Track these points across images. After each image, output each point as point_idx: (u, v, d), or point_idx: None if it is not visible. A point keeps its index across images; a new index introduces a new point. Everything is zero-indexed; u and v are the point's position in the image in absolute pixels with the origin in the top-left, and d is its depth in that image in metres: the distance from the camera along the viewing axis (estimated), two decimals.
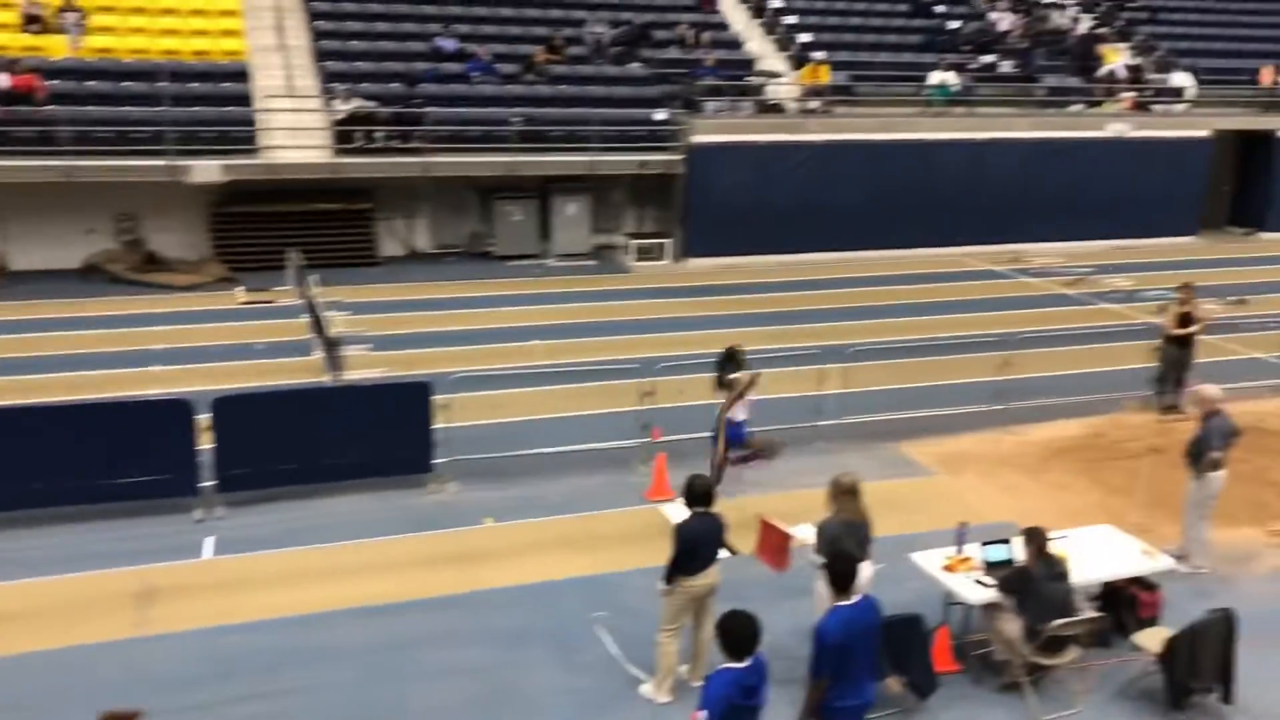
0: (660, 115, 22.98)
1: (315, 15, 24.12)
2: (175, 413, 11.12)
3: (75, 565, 10.17)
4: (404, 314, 18.65)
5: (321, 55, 23.01)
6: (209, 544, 10.69)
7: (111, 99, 20.33)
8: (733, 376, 11.51)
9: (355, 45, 23.47)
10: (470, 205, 23.54)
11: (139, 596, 9.71)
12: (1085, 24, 30.14)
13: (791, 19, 27.49)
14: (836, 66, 25.11)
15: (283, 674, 8.64)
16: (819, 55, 25.22)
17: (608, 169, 22.76)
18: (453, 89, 22.54)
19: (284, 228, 20.84)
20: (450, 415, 12.07)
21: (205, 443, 11.22)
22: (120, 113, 19.99)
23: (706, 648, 8.20)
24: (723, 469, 11.42)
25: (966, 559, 8.95)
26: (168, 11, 23.15)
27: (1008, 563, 8.74)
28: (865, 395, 14.12)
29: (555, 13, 26.01)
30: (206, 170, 20.05)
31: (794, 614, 8.86)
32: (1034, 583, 8.28)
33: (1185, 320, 14.55)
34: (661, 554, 8.24)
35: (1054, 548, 8.51)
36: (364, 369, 15.21)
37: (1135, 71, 27.87)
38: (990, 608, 8.56)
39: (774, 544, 8.97)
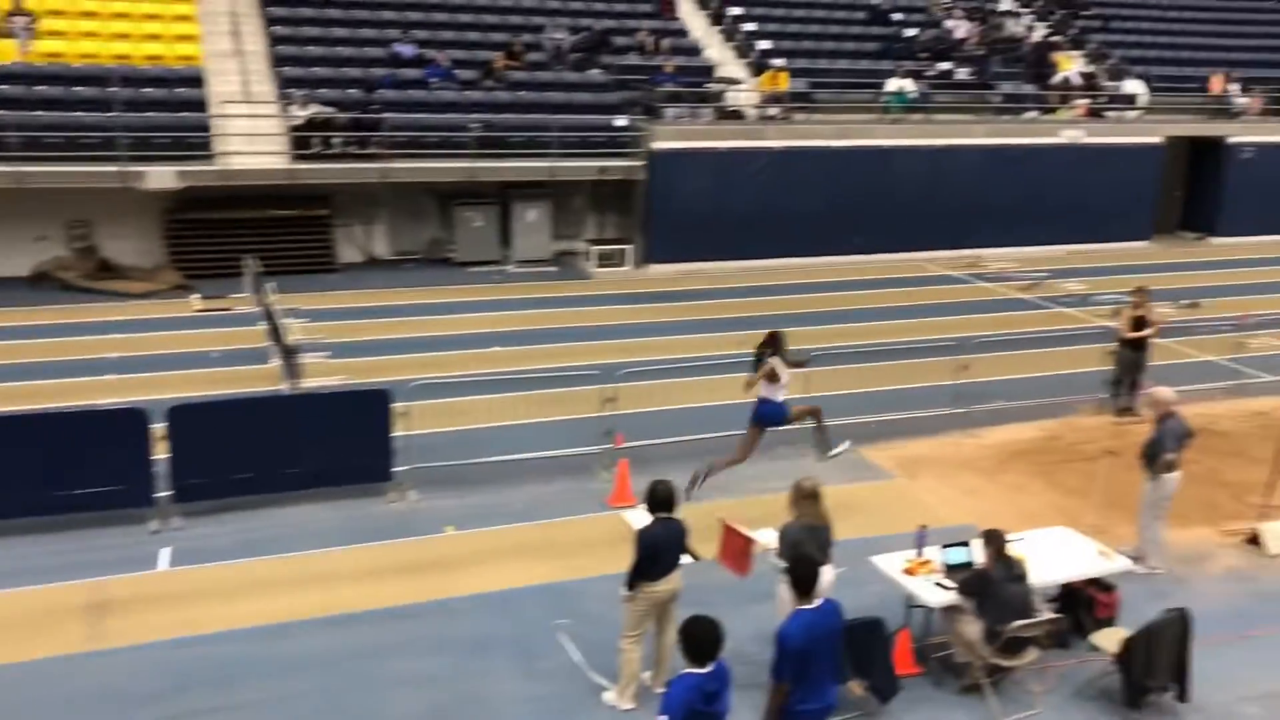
0: (620, 121, 22.99)
1: (272, 20, 23.90)
2: (129, 422, 10.96)
3: (26, 578, 9.98)
4: (362, 321, 18.50)
5: (278, 61, 22.80)
6: (165, 555, 10.53)
7: (62, 104, 20.01)
8: (771, 361, 11.75)
9: (312, 50, 23.27)
10: (429, 211, 23.42)
11: (92, 609, 9.55)
12: (1040, 32, 30.54)
13: (750, 26, 27.61)
14: (795, 73, 25.24)
15: (242, 686, 8.52)
16: (778, 62, 25.35)
17: (568, 175, 22.73)
18: (411, 95, 22.42)
19: (240, 234, 20.60)
20: (410, 423, 11.99)
21: (160, 452, 11.07)
22: (71, 118, 19.69)
23: (669, 654, 8.20)
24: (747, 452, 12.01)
25: (926, 562, 9.01)
26: (120, 16, 22.83)
27: (967, 565, 8.81)
28: (826, 399, 14.14)
29: (514, 19, 25.96)
30: (161, 176, 19.79)
31: (757, 619, 8.87)
32: (993, 585, 8.35)
33: (1139, 324, 14.75)
34: (624, 560, 8.23)
35: (1013, 550, 8.59)
36: (322, 377, 15.08)
37: (1089, 79, 28.27)
38: (950, 610, 8.62)
39: (736, 548, 8.98)
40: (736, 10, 28.11)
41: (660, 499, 8.19)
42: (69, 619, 9.40)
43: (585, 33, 25.55)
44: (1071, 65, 28.32)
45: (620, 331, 18.35)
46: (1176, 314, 19.93)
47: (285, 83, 21.99)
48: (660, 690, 7.45)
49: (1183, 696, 8.49)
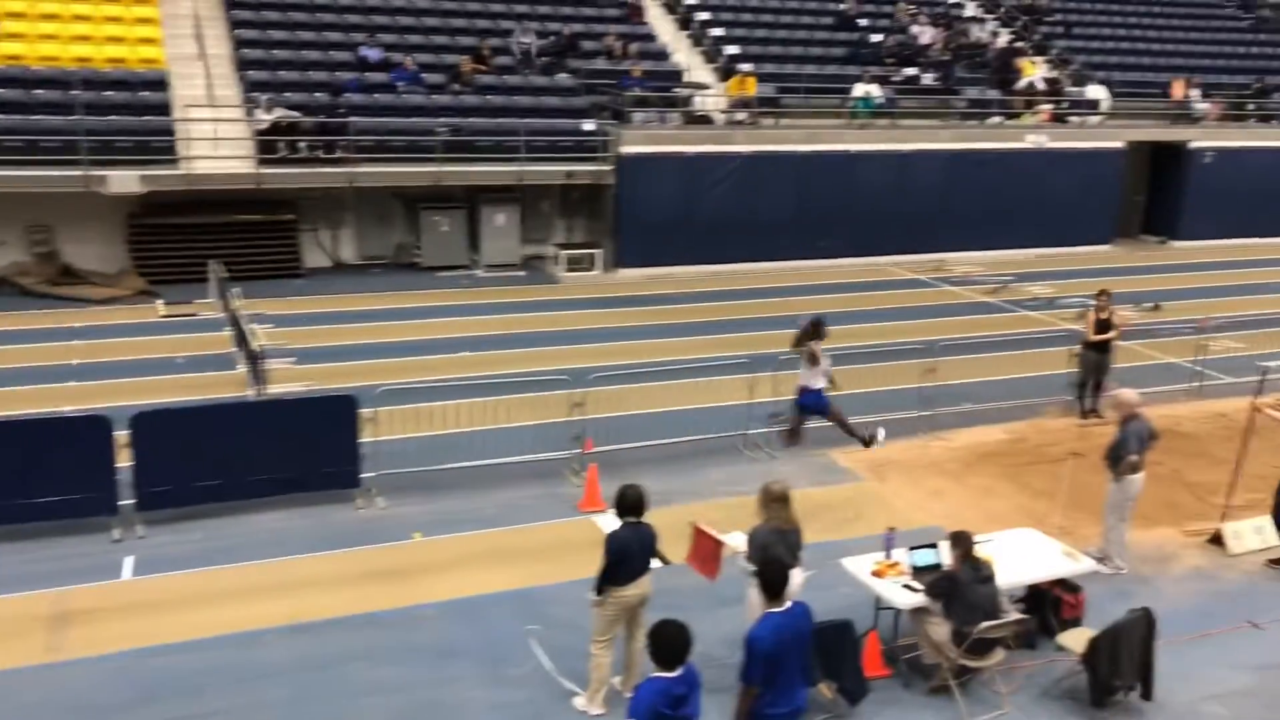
0: (588, 126, 22.99)
1: (236, 24, 23.71)
2: (92, 429, 10.82)
3: None
4: (329, 326, 18.38)
5: (243, 64, 22.62)
6: (128, 564, 10.40)
7: (23, 107, 19.74)
8: (812, 345, 12.31)
9: (278, 54, 23.10)
10: (396, 216, 23.30)
11: (55, 620, 9.41)
12: (1004, 38, 30.86)
13: (718, 31, 27.71)
14: (763, 78, 25.34)
15: (208, 696, 8.43)
16: (745, 67, 25.45)
17: (536, 179, 22.69)
18: (378, 99, 22.31)
19: (205, 239, 20.40)
20: (377, 429, 11.93)
21: (124, 460, 10.93)
22: (32, 121, 19.44)
23: (639, 658, 8.19)
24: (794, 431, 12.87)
25: (895, 564, 9.05)
26: (81, 18, 22.58)
27: (935, 567, 8.86)
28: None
29: (482, 23, 25.91)
30: (124, 181, 19.56)
31: (727, 622, 8.88)
32: (960, 586, 8.41)
33: (1103, 326, 14.91)
34: (594, 565, 8.21)
35: (980, 551, 8.65)
36: (288, 383, 14.96)
37: (1052, 84, 28.57)
38: (918, 612, 8.66)
39: (706, 551, 8.98)
40: (704, 15, 28.20)
41: (629, 504, 8.18)
42: (31, 629, 9.26)
43: (553, 37, 25.55)
44: (1035, 71, 28.62)
45: (589, 336, 18.34)
46: (1139, 317, 20.18)
47: (250, 86, 21.82)
48: (630, 695, 7.44)
49: (1147, 695, 8.58)
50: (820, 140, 24.62)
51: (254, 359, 14.50)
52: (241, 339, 15.46)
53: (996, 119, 27.26)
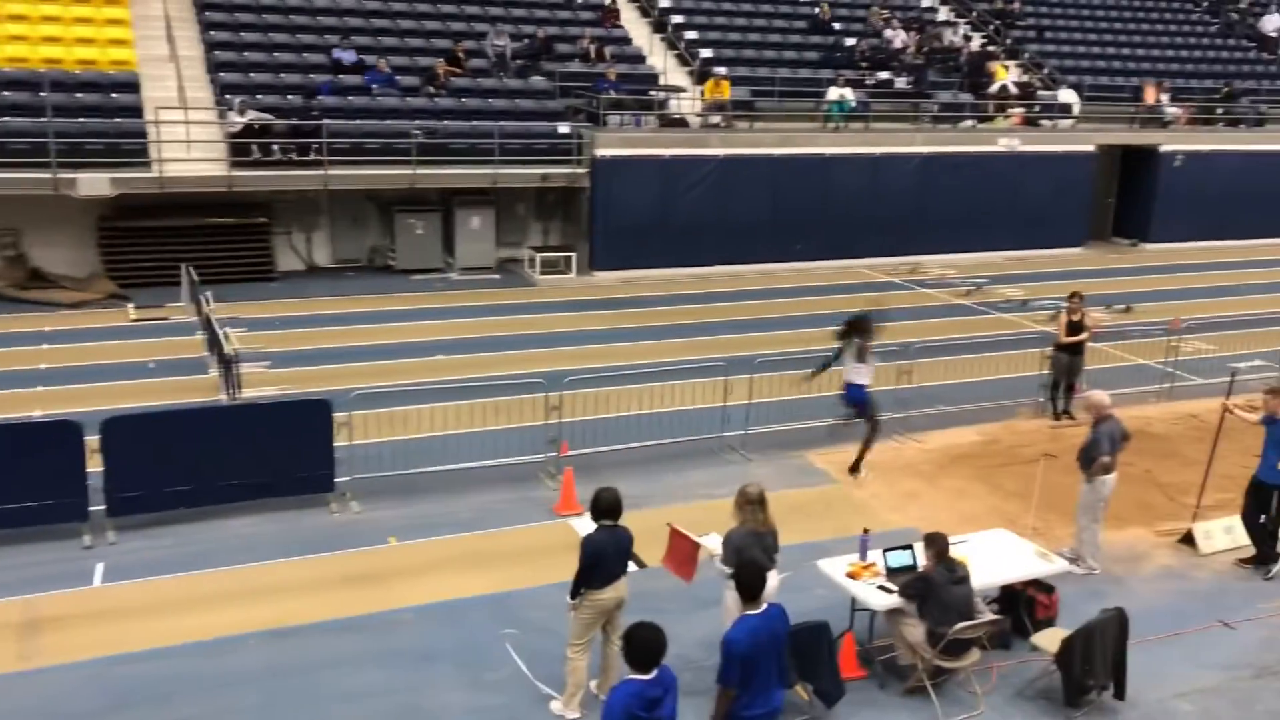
0: (563, 128, 22.97)
1: (208, 25, 23.54)
2: (62, 434, 10.71)
3: None
4: (303, 330, 18.26)
5: (216, 66, 22.46)
6: (99, 570, 10.30)
7: None
8: (858, 341, 12.51)
9: (251, 56, 22.95)
10: (371, 219, 23.19)
11: (25, 627, 9.31)
12: (976, 42, 31.08)
13: (692, 34, 27.76)
14: (737, 82, 25.41)
15: (181, 703, 8.36)
16: (720, 71, 25.51)
17: (510, 182, 22.65)
18: (352, 101, 22.21)
19: (177, 243, 20.24)
20: (351, 433, 11.87)
21: (95, 465, 10.82)
22: (0, 123, 19.23)
23: (615, 662, 8.18)
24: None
25: (870, 565, 9.09)
26: (50, 19, 22.35)
27: (910, 568, 8.90)
28: (771, 405, 14.26)
29: (456, 25, 25.85)
30: (94, 183, 19.37)
31: (704, 625, 8.89)
32: (935, 587, 8.45)
33: (1075, 328, 15.04)
34: (570, 569, 8.20)
35: (954, 552, 8.69)
36: (262, 387, 14.87)
37: (1024, 88, 28.79)
38: (893, 613, 8.70)
39: (682, 553, 8.98)
40: (678, 19, 28.24)
41: (605, 506, 8.17)
42: (1, 637, 9.15)
43: (528, 40, 25.52)
44: (1007, 75, 28.83)
45: (565, 339, 18.32)
46: (1111, 319, 20.35)
47: (223, 88, 21.66)
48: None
49: (1120, 694, 8.65)
50: (795, 143, 24.71)
51: (227, 363, 14.39)
52: (214, 343, 15.34)
53: (969, 123, 27.44)
